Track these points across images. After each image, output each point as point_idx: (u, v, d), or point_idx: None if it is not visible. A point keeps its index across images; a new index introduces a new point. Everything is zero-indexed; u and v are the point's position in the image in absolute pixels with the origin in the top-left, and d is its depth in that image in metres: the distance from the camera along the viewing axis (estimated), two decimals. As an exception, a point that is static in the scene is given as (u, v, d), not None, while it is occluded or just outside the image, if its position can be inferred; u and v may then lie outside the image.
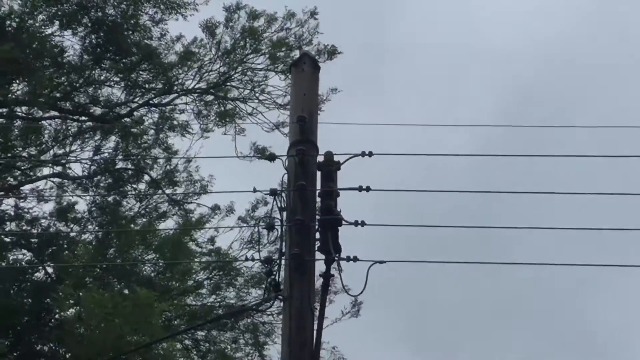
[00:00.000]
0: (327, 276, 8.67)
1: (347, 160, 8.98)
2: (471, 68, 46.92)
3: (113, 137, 22.45)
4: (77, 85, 22.22)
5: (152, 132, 22.73)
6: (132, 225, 22.20)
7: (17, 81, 21.48)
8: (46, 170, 22.45)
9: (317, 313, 8.79)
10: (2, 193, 21.22)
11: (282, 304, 8.72)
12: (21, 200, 21.86)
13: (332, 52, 22.05)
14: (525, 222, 9.53)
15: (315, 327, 8.58)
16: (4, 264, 20.68)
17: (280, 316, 12.07)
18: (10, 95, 21.38)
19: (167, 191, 22.83)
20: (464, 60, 47.06)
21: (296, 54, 20.41)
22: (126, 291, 19.16)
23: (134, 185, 23.02)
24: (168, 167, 22.81)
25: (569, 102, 45.10)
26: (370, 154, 9.00)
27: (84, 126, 22.66)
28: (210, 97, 22.99)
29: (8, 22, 20.99)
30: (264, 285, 11.15)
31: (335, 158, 8.95)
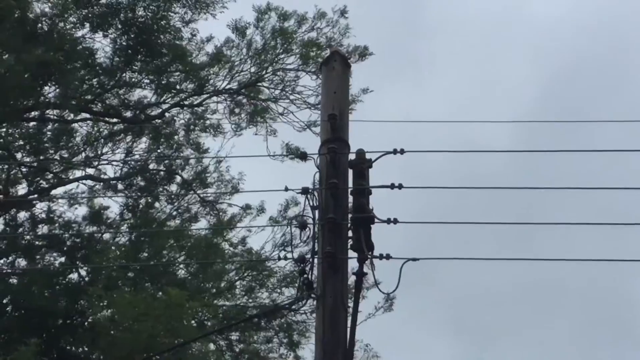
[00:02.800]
0: (360, 274, 8.70)
1: (379, 158, 9.02)
2: (513, 44, 46.86)
3: (144, 139, 22.64)
4: (108, 87, 22.40)
5: (183, 133, 22.95)
6: (165, 227, 22.38)
7: (49, 84, 21.65)
8: (78, 173, 22.67)
9: (350, 311, 8.78)
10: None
11: (315, 302, 8.77)
12: (54, 203, 22.09)
13: (363, 54, 22.18)
14: (565, 214, 9.51)
15: (349, 325, 8.60)
16: (37, 266, 20.91)
17: (314, 315, 11.08)
18: (42, 99, 21.66)
19: (199, 192, 22.97)
20: (505, 35, 46.97)
21: (327, 53, 20.50)
22: (159, 294, 19.26)
23: (166, 187, 23.19)
24: (199, 167, 23.00)
25: (616, 77, 44.88)
26: (402, 152, 9.03)
27: (115, 128, 22.85)
28: (241, 98, 23.10)
29: (39, 25, 21.16)
30: (297, 285, 11.52)
31: (367, 156, 8.99)
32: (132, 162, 22.71)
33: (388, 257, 8.58)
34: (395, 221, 8.72)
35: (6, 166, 21.63)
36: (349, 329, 8.54)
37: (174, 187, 23.24)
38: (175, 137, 22.64)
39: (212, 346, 21.05)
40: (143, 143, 22.84)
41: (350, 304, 8.89)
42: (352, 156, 9.01)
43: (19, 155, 22.27)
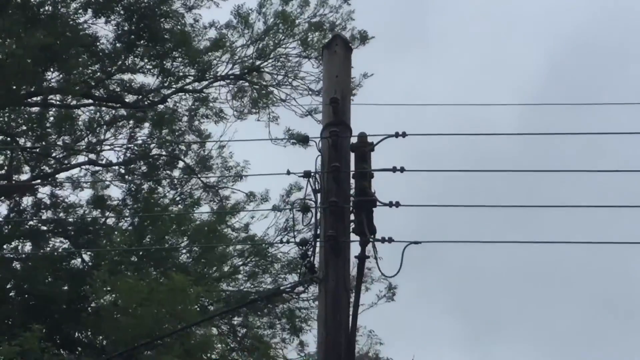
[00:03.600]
0: (362, 258, 8.73)
1: (381, 141, 9.07)
2: (520, 17, 46.84)
3: (147, 124, 22.75)
4: (111, 72, 22.47)
5: (185, 118, 23.10)
6: (167, 212, 22.55)
7: (51, 69, 21.77)
8: (81, 158, 22.87)
9: (352, 295, 8.82)
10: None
11: (317, 286, 8.83)
12: (57, 188, 22.22)
13: (364, 38, 22.35)
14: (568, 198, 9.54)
15: (351, 309, 8.64)
16: (41, 252, 21.00)
17: (316, 304, 11.51)
18: (44, 84, 21.72)
19: (201, 176, 23.13)
20: (513, 7, 46.97)
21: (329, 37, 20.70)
22: (162, 279, 19.39)
23: (169, 172, 23.33)
24: (202, 153, 23.13)
25: (624, 50, 44.86)
26: (404, 135, 9.08)
27: (117, 114, 22.97)
28: (244, 83, 23.23)
29: (42, 10, 21.24)
30: (299, 270, 11.33)
31: (369, 139, 9.02)
32: (134, 148, 22.85)
33: (390, 240, 8.62)
34: (397, 204, 8.77)
35: (9, 152, 21.75)
36: (351, 313, 8.61)
37: (176, 173, 23.40)
38: (179, 123, 22.82)
39: (215, 331, 21.18)
40: (145, 128, 22.96)
41: (353, 288, 8.88)
42: (354, 140, 9.04)
43: (21, 141, 22.40)
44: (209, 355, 19.44)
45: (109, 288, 18.47)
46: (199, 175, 22.89)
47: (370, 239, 8.65)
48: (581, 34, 47.92)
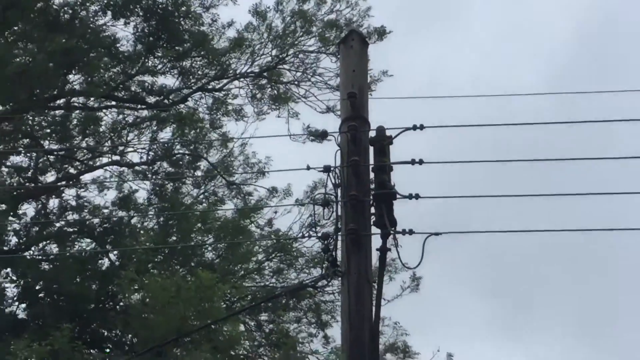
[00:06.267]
0: (383, 250, 8.82)
1: (399, 134, 9.11)
2: None
3: (169, 125, 23.18)
4: (132, 74, 22.90)
5: (207, 117, 23.57)
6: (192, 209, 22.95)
7: (73, 72, 22.26)
8: (105, 160, 23.30)
9: (375, 287, 8.96)
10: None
11: (340, 280, 8.91)
12: (82, 190, 22.65)
13: (382, 33, 22.82)
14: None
15: (374, 300, 8.76)
16: (69, 252, 21.36)
17: (339, 297, 11.55)
18: (67, 87, 22.27)
19: (224, 175, 23.59)
20: None
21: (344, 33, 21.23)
22: (188, 277, 19.70)
23: (192, 171, 23.74)
24: (224, 151, 23.58)
25: None
26: (422, 127, 9.16)
27: (139, 115, 23.46)
28: (263, 81, 23.69)
29: (62, 15, 21.67)
30: (322, 264, 11.50)
31: (387, 132, 9.09)
32: (158, 148, 23.33)
33: (411, 232, 8.69)
34: (417, 196, 8.82)
35: (34, 154, 22.25)
36: (374, 305, 8.72)
37: (199, 172, 23.87)
38: (200, 123, 23.29)
39: (242, 327, 21.53)
40: (168, 128, 23.38)
41: (376, 280, 9.08)
42: (372, 133, 9.14)
43: (46, 144, 22.89)
44: (236, 351, 19.78)
45: (137, 287, 18.78)
46: (222, 173, 23.31)
47: (391, 231, 8.72)
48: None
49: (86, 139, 22.73)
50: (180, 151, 23.48)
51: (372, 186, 9.08)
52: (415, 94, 11.22)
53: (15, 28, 21.68)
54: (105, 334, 21.02)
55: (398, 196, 8.82)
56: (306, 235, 22.52)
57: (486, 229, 9.69)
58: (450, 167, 9.85)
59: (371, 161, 9.02)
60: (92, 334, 20.71)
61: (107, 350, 20.87)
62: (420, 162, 9.00)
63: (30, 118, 21.94)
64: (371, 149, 9.05)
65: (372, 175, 9.03)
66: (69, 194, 22.78)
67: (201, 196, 23.50)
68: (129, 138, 23.33)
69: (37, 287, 21.08)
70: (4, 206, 21.03)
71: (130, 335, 20.35)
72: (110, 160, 23.00)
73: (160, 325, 16.91)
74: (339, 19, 22.97)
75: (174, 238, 21.86)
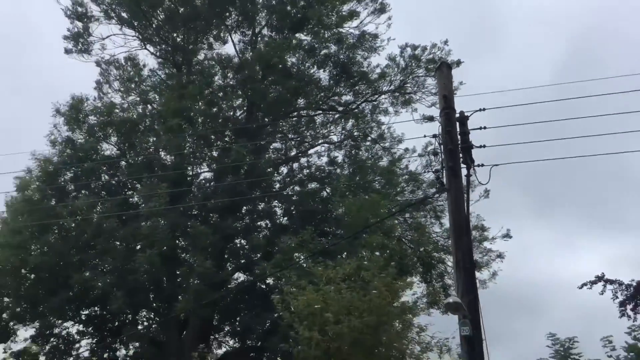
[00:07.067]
0: (468, 176, 12.35)
1: (472, 114, 12.84)
2: None
3: (350, 121, 39.01)
4: (329, 95, 38.72)
5: (368, 115, 39.18)
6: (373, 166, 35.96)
7: (298, 99, 37.45)
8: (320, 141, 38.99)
9: (465, 196, 12.37)
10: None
11: (446, 195, 12.54)
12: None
13: (458, 63, 36.83)
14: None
15: (465, 203, 12.18)
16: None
17: (446, 202, 15.47)
18: (296, 105, 38.25)
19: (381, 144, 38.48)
20: None
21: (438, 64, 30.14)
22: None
23: (364, 143, 38.60)
24: (380, 131, 38.70)
25: None
26: (484, 109, 12.70)
27: (335, 116, 39.06)
28: (396, 94, 39.03)
29: (279, 66, 37.65)
30: (435, 187, 21.27)
31: (466, 114, 12.95)
32: (346, 133, 38.26)
33: (482, 165, 12.17)
34: (484, 146, 12.29)
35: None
36: (465, 208, 12.12)
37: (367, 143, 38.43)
38: (365, 118, 38.53)
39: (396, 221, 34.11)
40: (350, 121, 38.62)
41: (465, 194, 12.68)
42: (457, 115, 12.99)
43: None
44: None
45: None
46: (379, 142, 38.01)
47: (471, 165, 12.24)
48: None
49: (308, 131, 38.58)
50: (357, 134, 38.72)
51: (459, 142, 12.52)
52: (480, 94, 15.94)
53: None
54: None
55: (474, 147, 12.36)
56: (427, 171, 34.88)
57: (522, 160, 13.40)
58: (499, 130, 13.52)
59: (458, 129, 12.72)
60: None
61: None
62: (484, 127, 12.79)
63: (282, 122, 37.68)
64: (457, 123, 12.78)
65: (459, 137, 12.60)
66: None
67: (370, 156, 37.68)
68: (330, 129, 38.91)
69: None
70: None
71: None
72: (322, 141, 38.73)
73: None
74: (435, 56, 37.64)
75: (357, 178, 35.71)
